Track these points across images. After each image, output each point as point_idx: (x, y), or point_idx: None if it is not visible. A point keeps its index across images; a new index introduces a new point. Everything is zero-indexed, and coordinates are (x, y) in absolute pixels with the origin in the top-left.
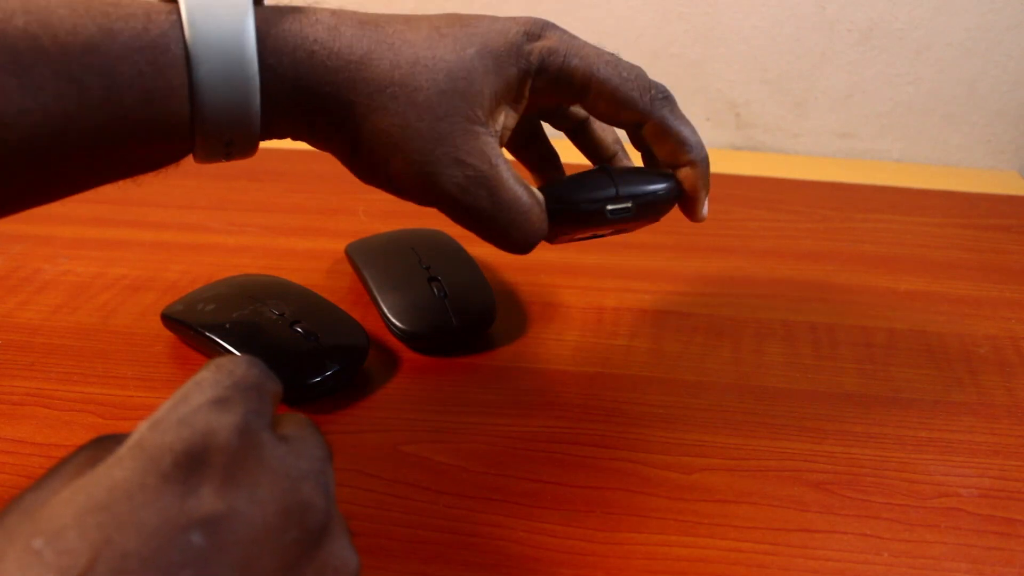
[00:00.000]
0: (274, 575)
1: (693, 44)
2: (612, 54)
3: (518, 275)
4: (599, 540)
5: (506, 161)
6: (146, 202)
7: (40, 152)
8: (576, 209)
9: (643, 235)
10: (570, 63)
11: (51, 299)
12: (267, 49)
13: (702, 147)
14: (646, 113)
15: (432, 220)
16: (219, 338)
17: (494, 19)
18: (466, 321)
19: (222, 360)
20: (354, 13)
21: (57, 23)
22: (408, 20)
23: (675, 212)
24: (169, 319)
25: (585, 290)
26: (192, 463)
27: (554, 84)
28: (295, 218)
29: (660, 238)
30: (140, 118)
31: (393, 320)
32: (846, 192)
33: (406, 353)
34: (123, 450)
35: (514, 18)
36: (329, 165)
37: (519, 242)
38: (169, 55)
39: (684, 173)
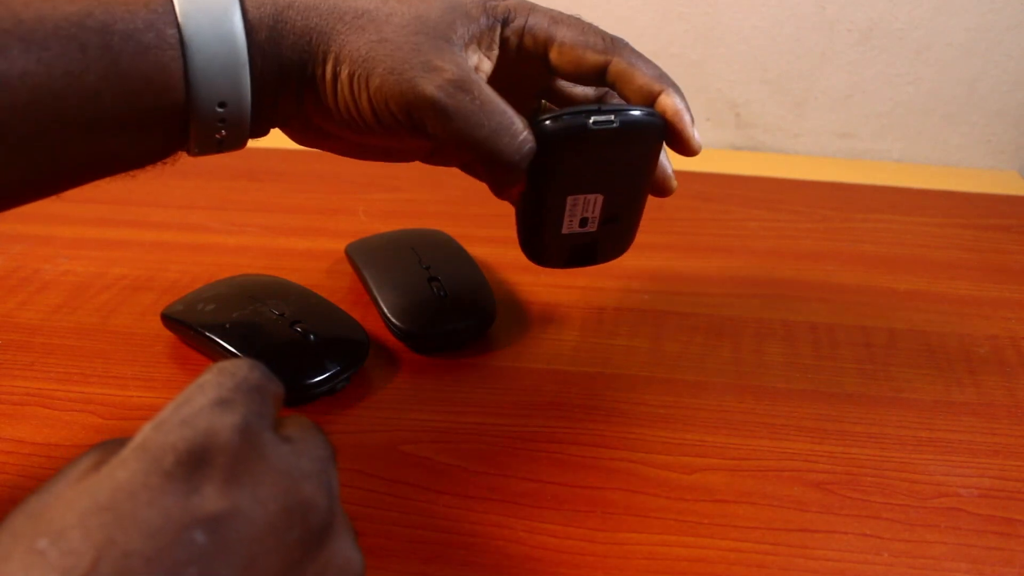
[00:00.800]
0: (277, 573)
1: (693, 44)
2: (570, 15)
3: (518, 275)
4: (599, 540)
5: (481, 78)
6: (146, 202)
7: (41, 121)
8: (559, 120)
9: (643, 235)
10: (533, 18)
11: (51, 299)
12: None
13: (670, 78)
14: (608, 52)
15: (432, 220)
16: (219, 338)
17: None
18: (466, 321)
19: (224, 364)
20: None
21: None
22: None
23: (672, 213)
24: (169, 319)
25: (585, 290)
26: (195, 462)
27: (519, 36)
28: (295, 218)
29: (660, 238)
30: (135, 75)
31: (393, 320)
32: (846, 192)
33: (406, 353)
34: (126, 452)
35: None
36: (329, 165)
37: (509, 151)
38: (161, 13)
39: (663, 102)
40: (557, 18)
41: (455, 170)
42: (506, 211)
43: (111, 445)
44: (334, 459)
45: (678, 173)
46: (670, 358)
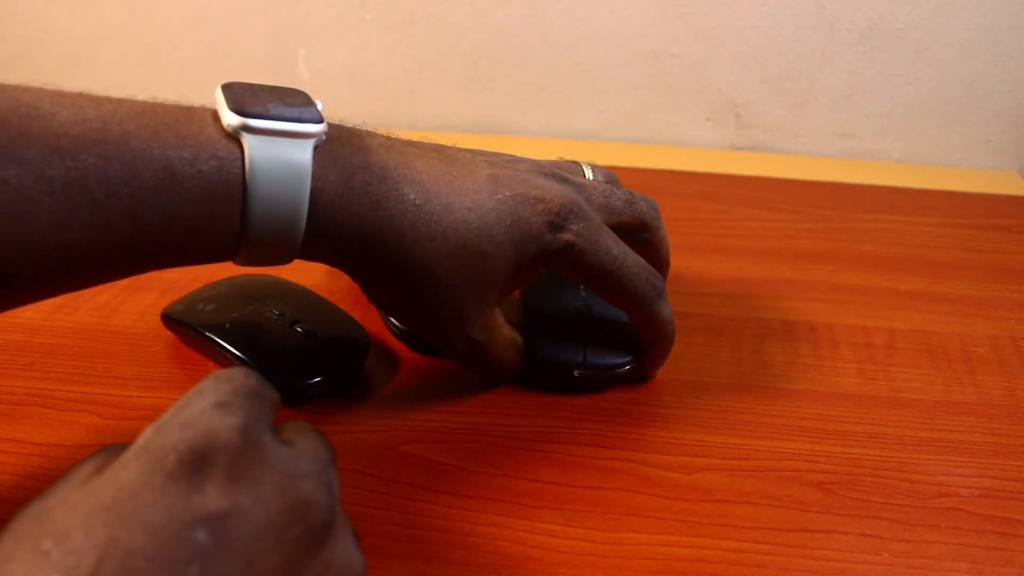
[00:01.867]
0: (278, 572)
1: (693, 44)
2: (622, 247)
3: None
4: (599, 540)
5: (502, 326)
6: None
7: (87, 272)
8: (545, 368)
9: None
10: (585, 259)
11: (51, 299)
12: (316, 213)
13: (673, 334)
14: (642, 306)
15: None
16: (219, 338)
17: (524, 195)
18: None
19: (221, 372)
20: (402, 173)
21: (130, 159)
22: (451, 191)
23: (672, 213)
24: (169, 319)
25: None
26: (196, 462)
27: (566, 269)
28: None
29: None
30: (186, 250)
31: (393, 320)
32: (846, 192)
33: (406, 353)
34: (128, 454)
35: (543, 196)
36: None
37: (494, 381)
38: (228, 204)
39: (652, 350)
40: (608, 262)
41: None
42: None
43: (113, 449)
44: (334, 461)
45: (678, 173)
46: (670, 358)
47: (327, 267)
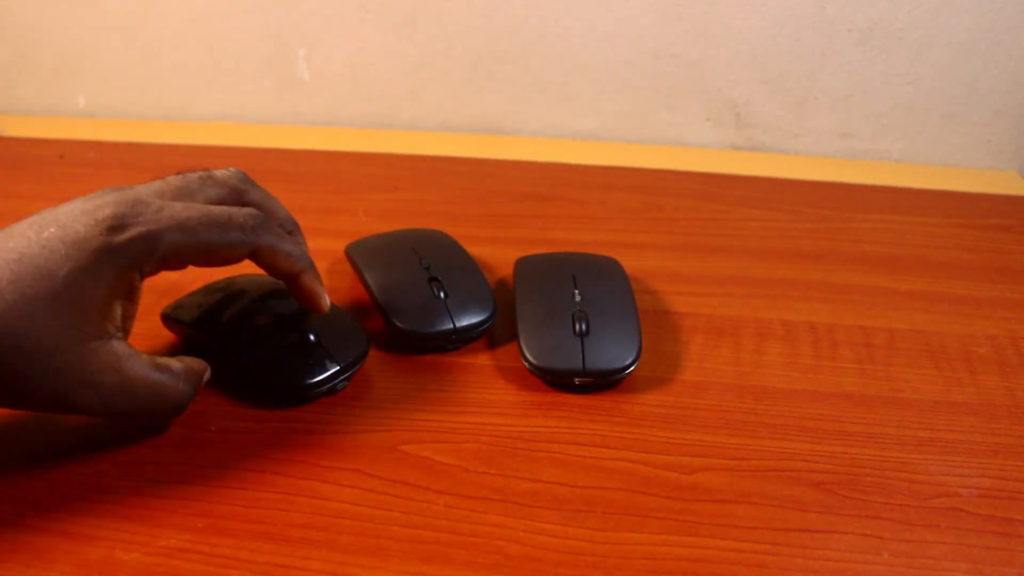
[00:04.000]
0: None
1: (693, 44)
2: (199, 207)
3: None
4: (599, 540)
5: (133, 354)
6: None
7: None
8: (545, 376)
9: (643, 235)
10: (168, 241)
11: None
12: None
13: (305, 255)
14: (250, 242)
15: (432, 220)
16: (218, 338)
17: (75, 220)
18: (466, 321)
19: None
20: None
21: None
22: None
23: (672, 213)
24: (169, 319)
25: None
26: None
27: (164, 263)
28: (295, 217)
29: (660, 238)
30: None
31: (393, 320)
32: (846, 192)
33: (406, 353)
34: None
35: (103, 206)
36: (329, 165)
37: (161, 417)
38: None
39: (302, 280)
40: (188, 224)
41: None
42: (506, 211)
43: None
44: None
45: (679, 173)
46: (670, 358)
47: (327, 267)
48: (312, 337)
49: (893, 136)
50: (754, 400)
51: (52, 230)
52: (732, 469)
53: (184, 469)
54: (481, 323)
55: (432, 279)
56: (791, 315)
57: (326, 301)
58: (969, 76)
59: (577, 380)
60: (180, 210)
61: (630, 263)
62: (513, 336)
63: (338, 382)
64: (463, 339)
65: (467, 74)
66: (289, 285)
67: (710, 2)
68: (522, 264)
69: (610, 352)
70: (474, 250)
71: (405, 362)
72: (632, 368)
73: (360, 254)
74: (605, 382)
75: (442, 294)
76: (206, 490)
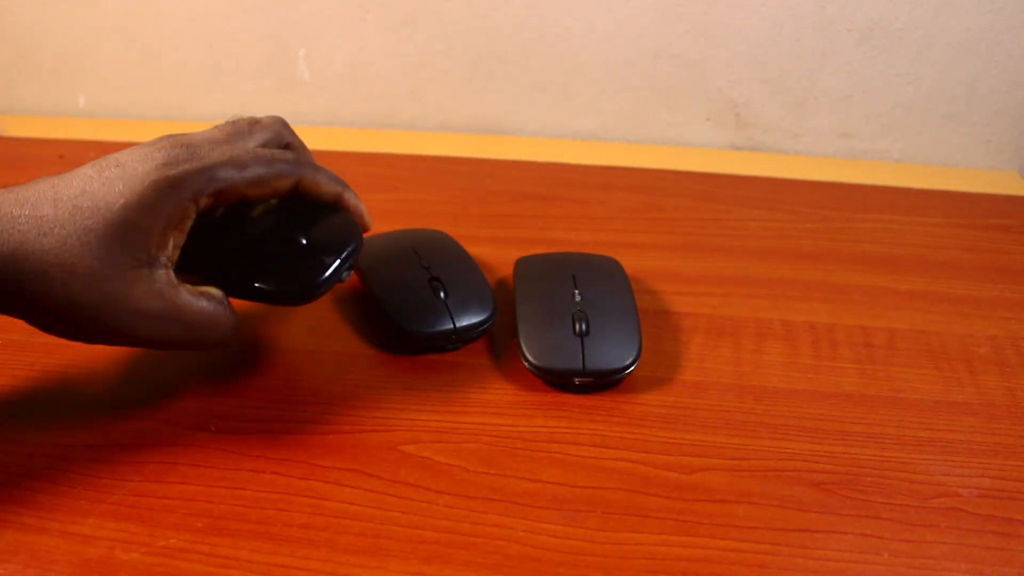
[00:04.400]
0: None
1: (693, 44)
2: (247, 147)
3: None
4: (599, 540)
5: (178, 286)
6: None
7: None
8: (544, 376)
9: (643, 235)
10: (222, 175)
11: None
12: None
13: (341, 180)
14: (295, 172)
15: (432, 220)
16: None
17: (134, 161)
18: (466, 321)
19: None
20: (6, 194)
21: None
22: (55, 188)
23: (672, 213)
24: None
25: None
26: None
27: (219, 195)
28: None
29: (660, 238)
30: None
31: (394, 320)
32: (846, 192)
33: (407, 353)
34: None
35: (153, 148)
36: (329, 165)
37: (216, 344)
38: None
39: (345, 199)
40: (240, 160)
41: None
42: (506, 211)
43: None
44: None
45: (679, 173)
46: (670, 358)
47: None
48: (304, 240)
49: (893, 136)
50: (754, 400)
51: (113, 169)
52: (732, 469)
53: (184, 469)
54: (481, 323)
55: (432, 279)
56: (791, 315)
57: (368, 216)
58: (969, 76)
59: (577, 380)
60: (230, 149)
61: (630, 263)
62: (513, 336)
63: (343, 272)
64: (463, 339)
65: (467, 74)
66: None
67: (710, 2)
68: (522, 264)
69: (610, 352)
70: (474, 250)
71: (405, 362)
72: (632, 368)
73: (361, 254)
74: (605, 382)
75: (442, 294)
76: (206, 490)
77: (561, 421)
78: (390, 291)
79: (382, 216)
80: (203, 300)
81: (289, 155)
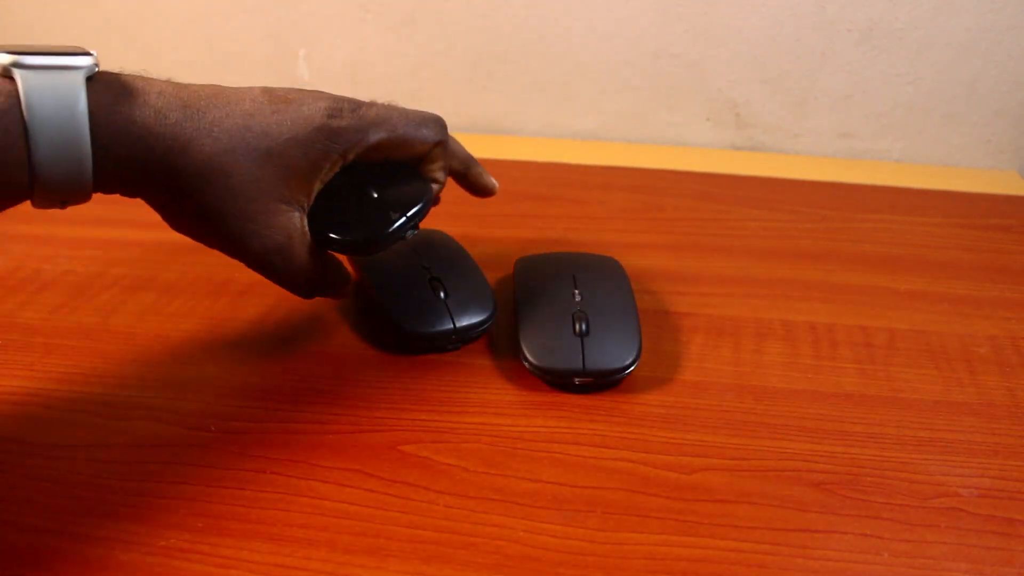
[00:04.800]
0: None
1: (693, 44)
2: (398, 107)
3: None
4: (599, 540)
5: (304, 234)
6: None
7: None
8: (544, 376)
9: (643, 235)
10: (373, 136)
11: (51, 299)
12: (99, 130)
13: (470, 155)
14: (439, 140)
15: (432, 220)
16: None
17: (302, 101)
18: (466, 321)
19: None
20: (179, 92)
21: None
22: (228, 102)
23: (672, 213)
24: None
25: None
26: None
27: (368, 153)
28: None
29: (660, 238)
30: None
31: (394, 320)
32: (846, 192)
33: (407, 353)
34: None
35: (317, 95)
36: None
37: (303, 295)
38: (9, 136)
39: (474, 171)
40: (391, 122)
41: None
42: (506, 211)
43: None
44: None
45: (679, 173)
46: (670, 358)
47: None
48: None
49: (893, 136)
50: (754, 400)
51: (283, 104)
52: (732, 469)
53: (184, 469)
54: (481, 323)
55: (433, 279)
56: (791, 315)
57: (492, 180)
58: (969, 76)
59: (577, 380)
60: (383, 109)
61: (630, 263)
62: (513, 336)
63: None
64: (463, 339)
65: (467, 74)
66: (461, 179)
67: (710, 2)
68: (522, 264)
69: (610, 352)
70: (474, 250)
71: (405, 362)
72: (632, 368)
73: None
74: (605, 382)
75: (442, 294)
76: (206, 490)
77: (561, 421)
78: (390, 291)
79: None
80: (313, 257)
81: (436, 118)
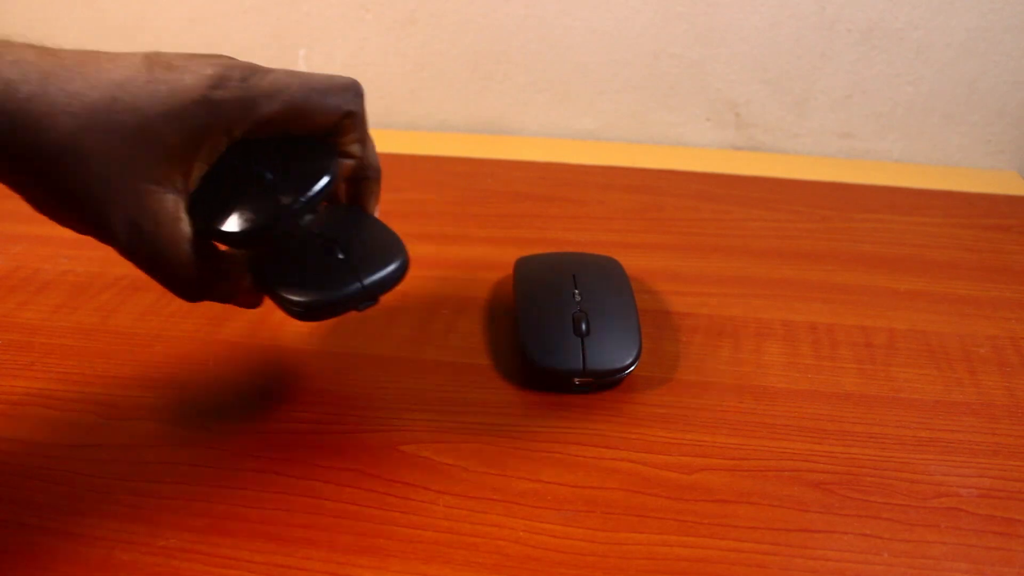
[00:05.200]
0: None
1: (693, 44)
2: (302, 73)
3: None
4: (599, 540)
5: (181, 220)
6: None
7: None
8: (545, 376)
9: (643, 235)
10: (263, 109)
11: (51, 299)
12: None
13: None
14: (347, 111)
15: (432, 220)
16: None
17: (185, 69)
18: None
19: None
20: (41, 60)
21: None
22: (98, 70)
23: (672, 213)
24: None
25: None
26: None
27: (257, 129)
28: None
29: (660, 238)
30: None
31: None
32: (846, 192)
33: (406, 353)
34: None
35: (207, 61)
36: None
37: (187, 295)
38: None
39: (372, 183)
40: (288, 92)
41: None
42: (506, 211)
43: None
44: None
45: (679, 173)
46: (670, 358)
47: None
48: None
49: (893, 136)
50: (754, 400)
51: (162, 71)
52: (732, 469)
53: (184, 469)
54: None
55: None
56: (791, 315)
57: (374, 201)
58: (969, 76)
59: (577, 380)
60: (283, 75)
61: (630, 263)
62: (513, 336)
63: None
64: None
65: (467, 74)
66: (355, 185)
67: (710, 2)
68: (522, 264)
69: (610, 352)
70: (474, 250)
71: (405, 362)
72: (632, 368)
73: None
74: (605, 382)
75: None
76: (206, 490)
77: (561, 421)
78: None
79: (382, 216)
80: (188, 247)
81: (349, 83)
